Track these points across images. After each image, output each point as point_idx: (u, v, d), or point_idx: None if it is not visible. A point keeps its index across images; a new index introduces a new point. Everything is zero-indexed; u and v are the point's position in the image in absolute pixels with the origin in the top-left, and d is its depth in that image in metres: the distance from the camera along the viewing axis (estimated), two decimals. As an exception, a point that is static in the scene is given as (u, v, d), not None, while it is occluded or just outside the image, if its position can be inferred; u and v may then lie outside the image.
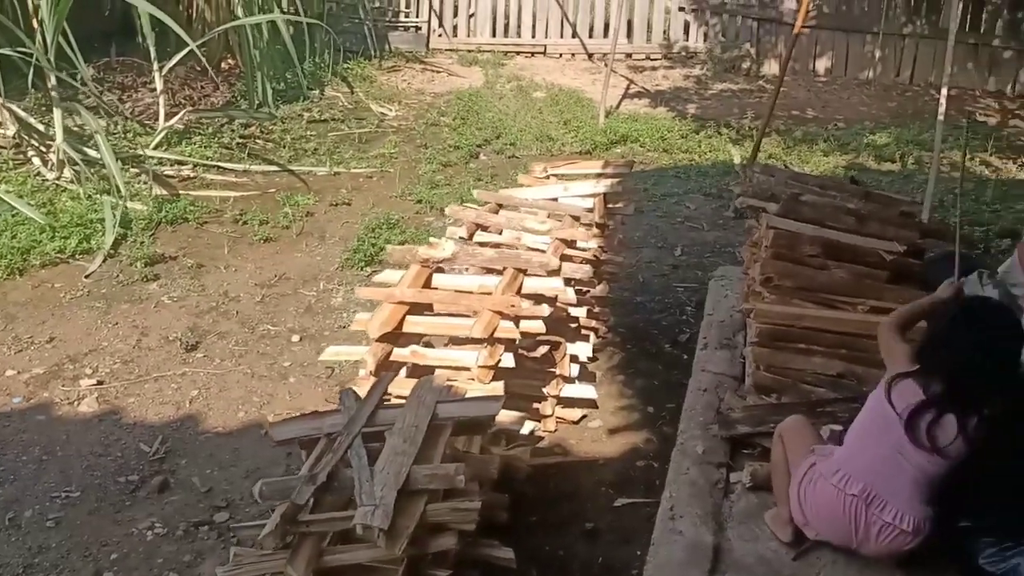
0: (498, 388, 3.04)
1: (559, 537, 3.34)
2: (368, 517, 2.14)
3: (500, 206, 4.08)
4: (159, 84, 7.74)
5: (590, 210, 4.13)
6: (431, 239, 3.72)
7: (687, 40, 11.48)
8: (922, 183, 7.15)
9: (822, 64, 11.03)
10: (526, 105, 9.65)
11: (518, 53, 11.84)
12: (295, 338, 4.83)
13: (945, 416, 2.34)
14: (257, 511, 3.47)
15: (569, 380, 3.84)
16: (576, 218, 3.96)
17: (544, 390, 3.79)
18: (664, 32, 11.59)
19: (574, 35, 11.72)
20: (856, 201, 3.62)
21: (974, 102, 10.02)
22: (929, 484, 2.41)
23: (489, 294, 3.15)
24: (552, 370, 3.80)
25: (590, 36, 11.70)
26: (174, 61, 7.54)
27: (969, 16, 10.25)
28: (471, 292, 3.21)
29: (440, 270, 3.38)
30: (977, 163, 7.72)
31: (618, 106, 9.69)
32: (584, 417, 4.05)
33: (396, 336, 3.19)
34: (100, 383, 4.34)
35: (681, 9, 11.41)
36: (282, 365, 4.57)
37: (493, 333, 3.03)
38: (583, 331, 4.10)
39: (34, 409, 4.14)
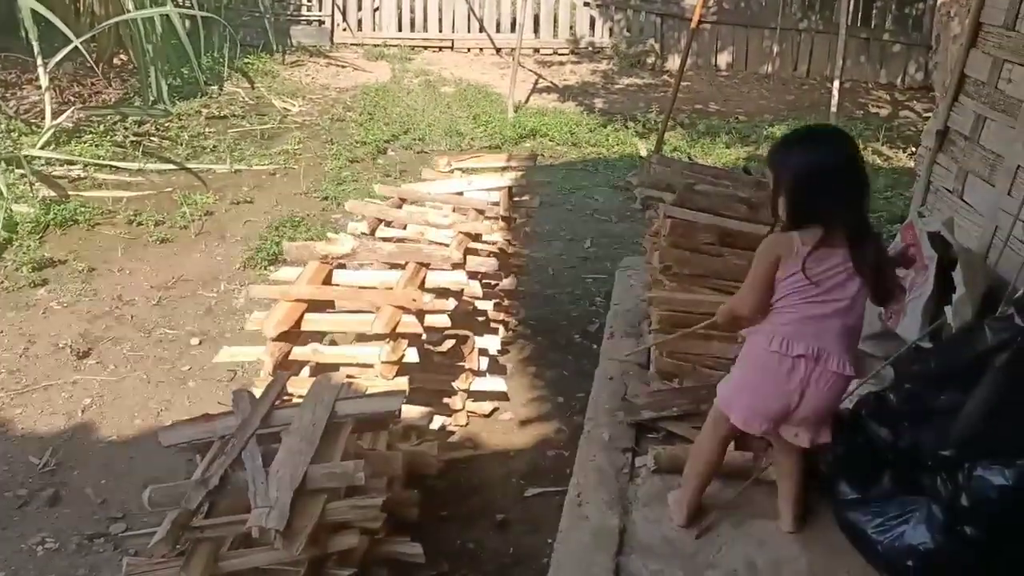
0: (402, 384, 2.99)
1: (470, 530, 3.31)
2: (263, 519, 2.07)
3: (403, 201, 4.02)
4: (44, 81, 7.40)
5: (495, 203, 4.11)
6: (329, 235, 3.63)
7: (593, 35, 11.61)
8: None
9: (723, 59, 11.29)
10: (434, 100, 9.60)
11: (425, 48, 11.79)
12: (194, 341, 4.67)
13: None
14: (156, 520, 3.33)
15: (479, 374, 3.82)
16: (480, 211, 3.93)
17: (454, 384, 3.75)
18: (571, 27, 11.69)
19: (481, 29, 11.73)
20: (748, 190, 3.70)
21: (867, 94, 10.42)
22: (851, 328, 2.44)
23: (391, 289, 3.10)
24: (461, 364, 3.77)
25: (497, 31, 11.72)
26: (59, 56, 7.21)
27: (860, 12, 10.65)
28: (373, 288, 3.15)
29: (341, 266, 3.31)
30: (869, 152, 8.01)
31: (527, 101, 9.73)
32: (495, 410, 4.02)
33: (295, 335, 3.10)
34: (-16, 394, 4.11)
35: (587, 4, 11.53)
36: (181, 370, 4.41)
37: (395, 328, 2.98)
38: (492, 324, 4.08)
39: (-89, 424, 3.89)
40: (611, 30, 11.52)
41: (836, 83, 7.31)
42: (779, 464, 2.73)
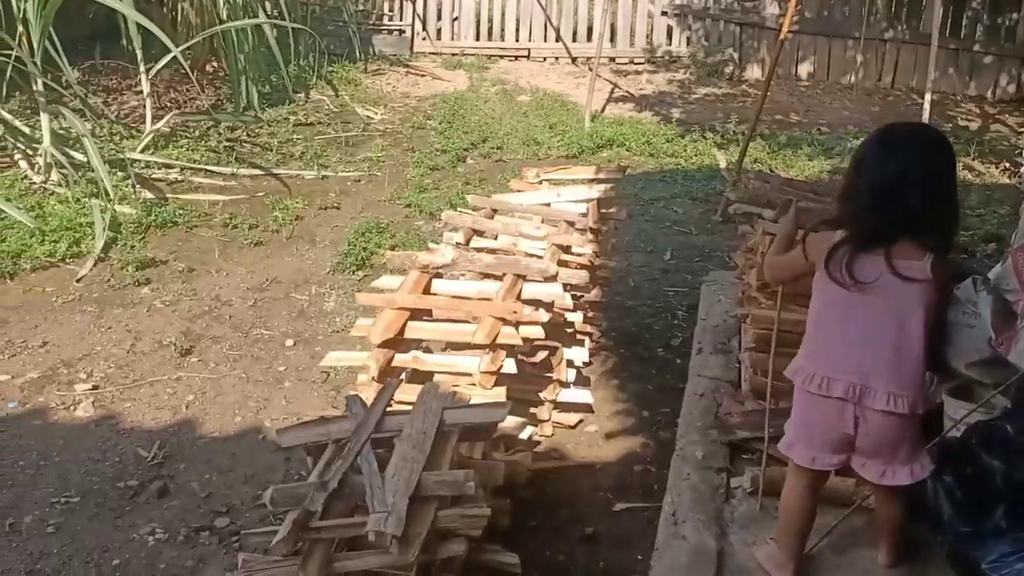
0: (500, 394, 3.07)
1: (560, 542, 3.37)
2: (381, 524, 2.16)
3: (495, 211, 4.11)
4: (146, 87, 7.71)
5: (584, 215, 4.17)
6: (431, 244, 3.73)
7: (670, 44, 11.58)
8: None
9: (804, 69, 11.14)
10: (511, 109, 9.69)
11: (502, 57, 11.89)
12: (289, 342, 4.84)
13: (865, 254, 2.29)
14: (258, 516, 3.50)
15: (566, 385, 3.88)
16: (571, 223, 4.00)
17: (541, 395, 3.82)
18: (647, 36, 11.68)
19: (558, 39, 11.79)
20: None
21: (955, 107, 10.18)
22: (903, 356, 2.32)
23: (489, 300, 3.18)
24: (549, 375, 3.83)
25: (574, 40, 11.77)
26: (160, 65, 7.50)
27: (950, 21, 10.41)
28: (470, 298, 3.24)
29: (438, 275, 3.41)
30: (960, 168, 7.82)
31: (603, 110, 9.75)
32: (580, 422, 4.08)
33: (397, 342, 3.21)
34: (95, 388, 4.33)
35: (664, 14, 11.51)
36: (277, 370, 4.58)
37: (495, 339, 3.06)
38: (578, 336, 4.13)
39: (30, 414, 4.12)
40: (688, 39, 11.48)
41: (928, 96, 7.17)
42: (876, 494, 2.70)
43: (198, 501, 3.58)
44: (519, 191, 4.60)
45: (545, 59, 11.82)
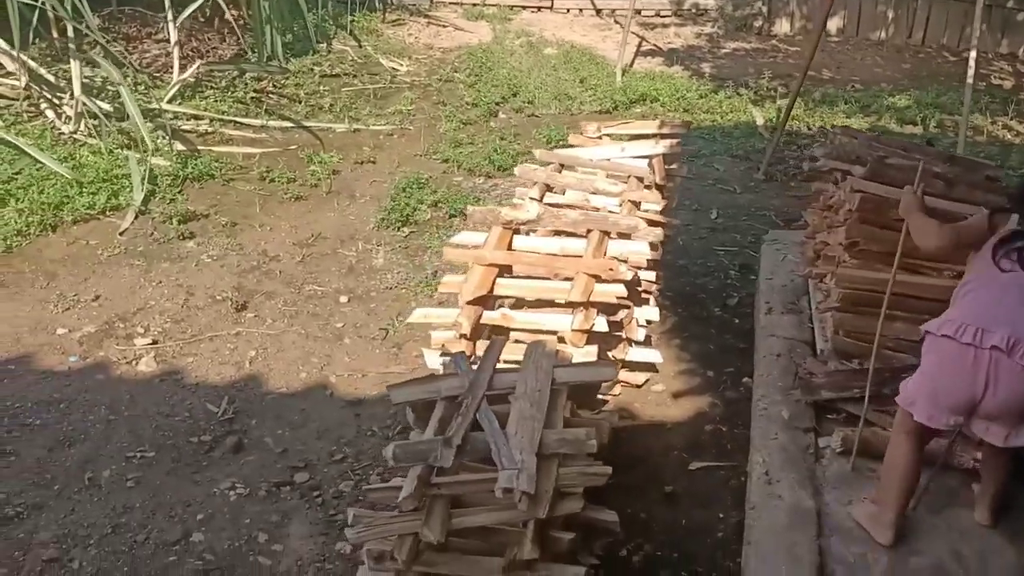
0: (592, 352, 3.03)
1: (639, 500, 3.37)
2: (513, 481, 2.14)
3: (562, 167, 4.04)
4: (173, 35, 7.56)
5: (650, 171, 4.10)
6: (515, 200, 3.66)
7: (699, -3, 11.36)
8: (948, 146, 7.18)
9: (834, 24, 10.95)
10: (539, 62, 9.53)
11: (524, 8, 11.67)
12: (343, 299, 4.80)
13: None
14: (336, 471, 3.50)
15: (636, 344, 3.85)
16: (640, 179, 3.93)
17: (611, 354, 3.78)
18: (674, -13, 11.46)
19: (579, -10, 11.56)
20: (941, 164, 3.62)
21: (988, 65, 10.02)
22: None
23: (578, 257, 3.13)
24: (618, 334, 3.80)
25: (599, -8, 11.56)
26: (191, 9, 7.34)
27: (983, -22, 10.20)
28: (558, 255, 3.19)
29: (517, 231, 3.35)
30: (1000, 127, 7.76)
31: (632, 64, 9.59)
32: (647, 381, 4.06)
33: (484, 299, 3.16)
34: (155, 342, 4.30)
35: (690, -35, 11.28)
36: (335, 326, 4.54)
37: (589, 296, 3.02)
38: (643, 295, 4.09)
39: (92, 368, 4.09)
40: (717, -8, 11.27)
41: (973, 52, 7.03)
42: (985, 458, 2.70)
43: (274, 457, 3.57)
44: (578, 145, 4.53)
45: (568, 10, 11.60)
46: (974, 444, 2.84)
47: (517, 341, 3.27)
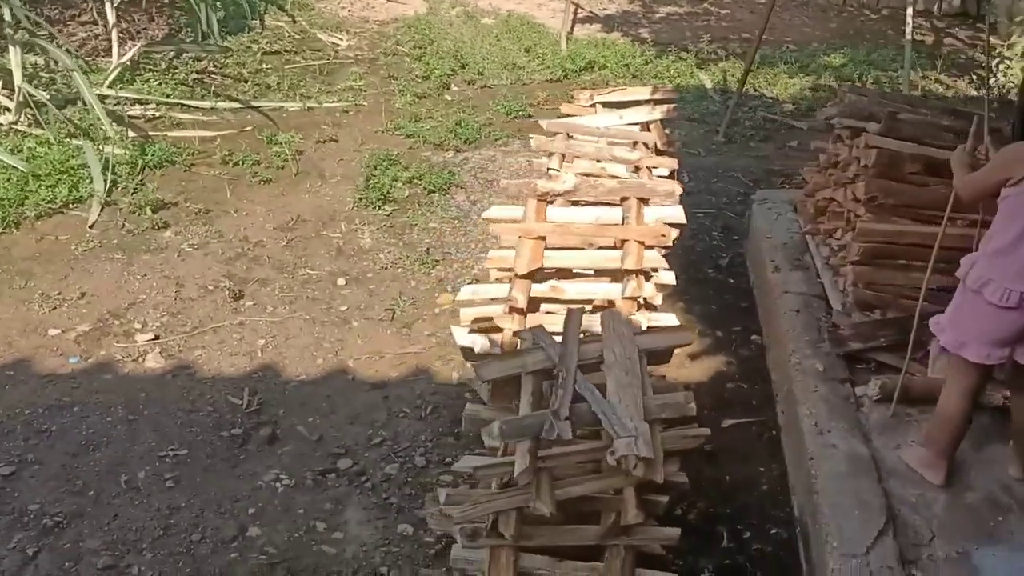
0: (672, 318, 3.07)
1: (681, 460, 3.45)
2: (632, 447, 2.18)
3: (569, 136, 4.06)
4: (111, 15, 7.21)
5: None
6: (551, 171, 3.63)
7: (628, -39, 11.42)
8: (888, 102, 7.49)
9: (759, -14, 11.18)
10: (479, 32, 9.44)
11: (454, -23, 11.51)
12: (341, 281, 4.73)
13: None
14: (378, 455, 3.49)
15: (655, 308, 3.92)
16: (647, 145, 3.99)
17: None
18: (604, -46, 11.48)
19: (511, -42, 11.47)
20: (948, 118, 3.79)
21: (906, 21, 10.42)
22: None
23: (628, 225, 3.17)
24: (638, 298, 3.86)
25: (528, -41, 11.49)
26: (122, -10, 7.01)
27: (899, -64, 10.58)
28: (606, 224, 3.22)
29: (549, 202, 3.36)
30: (932, 82, 8.11)
31: (571, 31, 9.60)
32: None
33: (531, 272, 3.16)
34: (157, 337, 4.17)
35: (620, -70, 11.30)
36: (339, 310, 4.47)
37: (641, 263, 3.07)
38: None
39: (96, 368, 3.94)
40: (646, -43, 11.35)
41: (909, 11, 7.35)
42: (1017, 407, 2.82)
43: (311, 445, 3.52)
44: (572, 115, 4.55)
45: (500, -21, 11.50)
46: (1001, 384, 3.01)
47: (549, 313, 3.30)
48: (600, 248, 3.24)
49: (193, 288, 4.58)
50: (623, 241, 3.14)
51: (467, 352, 3.99)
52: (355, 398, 3.80)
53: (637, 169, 3.60)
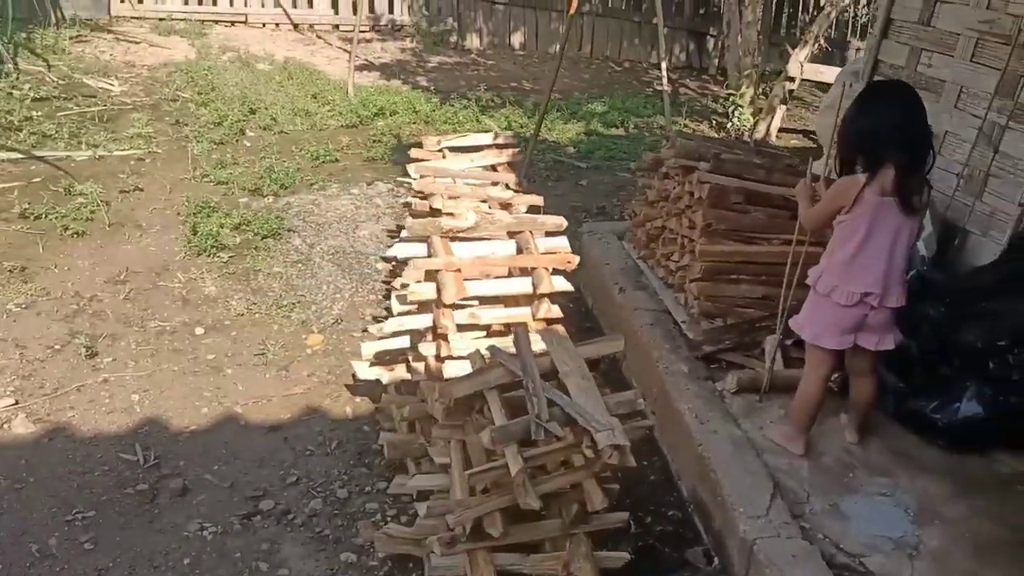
0: (563, 331, 3.45)
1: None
2: (612, 438, 2.52)
3: (435, 178, 4.37)
4: None
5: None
6: (451, 211, 3.87)
7: (393, 13, 11.92)
8: (651, 144, 8.51)
9: (517, 39, 12.15)
10: (257, 78, 9.44)
11: (217, 22, 11.41)
12: (199, 330, 4.66)
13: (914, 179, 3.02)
14: (297, 492, 3.55)
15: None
16: (507, 185, 4.41)
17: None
18: (370, 4, 11.89)
19: (276, 4, 11.57)
20: (758, 157, 4.53)
21: (646, 73, 11.81)
22: (904, 263, 3.13)
23: (530, 255, 3.54)
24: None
25: (294, 7, 11.65)
26: None
27: (634, -1, 11.96)
28: (515, 256, 3.56)
29: (455, 239, 3.64)
30: (681, 126, 9.29)
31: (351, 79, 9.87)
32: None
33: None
34: (16, 403, 3.89)
35: (385, -18, 11.78)
36: (206, 359, 4.42)
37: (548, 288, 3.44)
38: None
39: (-45, 442, 3.62)
40: (410, 7, 11.90)
41: (664, 64, 8.41)
42: (854, 380, 3.49)
43: (226, 492, 3.51)
44: (422, 159, 4.87)
45: (264, 24, 11.55)
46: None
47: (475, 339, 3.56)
48: (496, 278, 3.57)
49: (38, 349, 4.31)
50: (530, 269, 3.50)
51: (355, 387, 4.16)
52: (254, 442, 3.82)
53: (508, 206, 3.98)
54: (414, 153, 4.99)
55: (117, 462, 3.60)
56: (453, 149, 4.98)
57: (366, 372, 3.84)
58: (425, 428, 3.50)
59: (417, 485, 3.09)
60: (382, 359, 3.87)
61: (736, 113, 9.27)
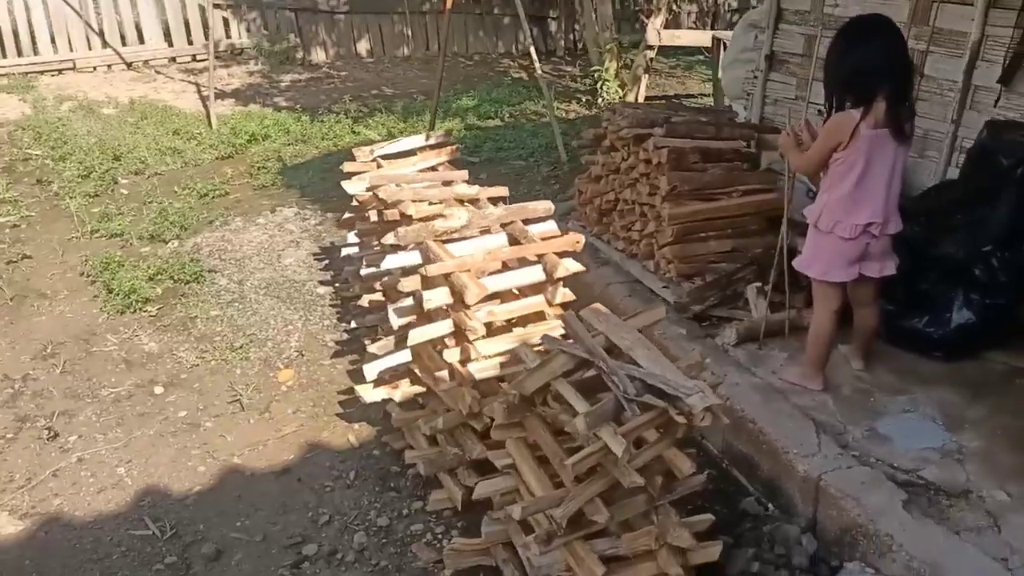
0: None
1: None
2: (705, 399, 2.52)
3: (397, 184, 4.23)
4: None
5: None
6: (444, 212, 3.70)
7: (231, 37, 11.45)
8: (533, 131, 8.63)
9: (363, 47, 11.97)
10: (110, 124, 8.85)
11: (43, 72, 10.58)
12: (157, 390, 4.33)
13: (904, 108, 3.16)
14: (334, 530, 3.37)
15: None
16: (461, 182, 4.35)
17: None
18: (204, 31, 11.36)
19: (105, 45, 10.87)
20: (702, 115, 4.64)
21: (497, 63, 11.92)
22: (898, 190, 3.27)
23: (536, 243, 3.49)
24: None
25: (124, 45, 10.98)
26: None
27: (475, -9, 12.04)
28: (516, 247, 3.50)
29: (449, 240, 3.54)
30: (555, 110, 9.41)
31: (204, 108, 9.45)
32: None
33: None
34: (-8, 503, 3.50)
35: (217, 6, 11.26)
36: (177, 416, 4.12)
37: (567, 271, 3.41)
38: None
39: (-61, 558, 3.21)
40: (248, 29, 11.48)
41: (533, 51, 8.44)
42: (858, 310, 3.64)
43: (261, 546, 3.29)
44: (357, 172, 4.72)
45: (95, 68, 10.80)
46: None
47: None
48: (491, 273, 3.50)
49: (-12, 442, 3.89)
50: (537, 256, 3.46)
51: (349, 415, 4.01)
52: (268, 489, 3.60)
53: (476, 200, 3.92)
54: (348, 167, 4.82)
55: (132, 540, 3.30)
56: (386, 157, 4.84)
57: (372, 395, 3.69)
58: (460, 437, 3.42)
59: (482, 493, 3.00)
60: (381, 379, 3.73)
61: (605, 87, 9.51)
